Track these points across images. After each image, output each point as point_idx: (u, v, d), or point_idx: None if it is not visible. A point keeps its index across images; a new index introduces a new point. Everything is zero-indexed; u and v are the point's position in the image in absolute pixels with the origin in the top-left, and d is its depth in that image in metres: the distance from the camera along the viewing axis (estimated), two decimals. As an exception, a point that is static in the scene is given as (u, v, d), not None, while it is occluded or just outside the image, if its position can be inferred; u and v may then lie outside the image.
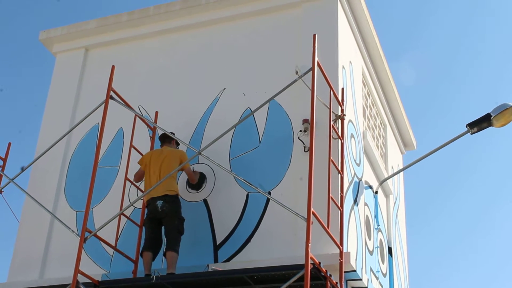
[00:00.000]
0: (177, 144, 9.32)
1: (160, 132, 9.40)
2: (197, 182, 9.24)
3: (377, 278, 10.16)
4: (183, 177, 9.46)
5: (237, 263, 8.51)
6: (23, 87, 25.49)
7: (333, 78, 9.14)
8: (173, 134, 9.15)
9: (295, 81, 8.19)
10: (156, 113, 9.99)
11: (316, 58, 8.00)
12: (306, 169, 7.58)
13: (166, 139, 9.15)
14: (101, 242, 8.78)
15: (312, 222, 7.11)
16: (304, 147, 8.98)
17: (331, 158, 8.31)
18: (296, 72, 8.69)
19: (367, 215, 10.10)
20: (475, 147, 27.85)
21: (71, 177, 10.41)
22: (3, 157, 10.33)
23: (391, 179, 11.71)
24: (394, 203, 12.19)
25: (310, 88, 7.93)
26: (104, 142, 9.90)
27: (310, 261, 6.91)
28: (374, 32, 11.13)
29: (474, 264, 26.96)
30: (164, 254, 8.40)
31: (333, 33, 9.70)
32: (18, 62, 26.07)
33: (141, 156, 9.31)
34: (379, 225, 10.77)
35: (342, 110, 9.10)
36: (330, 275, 7.54)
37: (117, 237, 9.13)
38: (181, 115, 10.05)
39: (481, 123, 9.90)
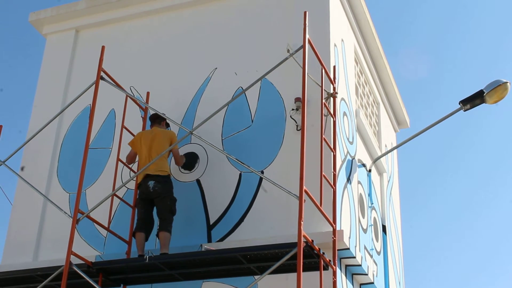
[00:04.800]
0: (167, 125, 9.29)
1: (151, 113, 9.36)
2: (182, 164, 9.20)
3: (371, 256, 10.18)
4: (175, 158, 9.43)
5: (231, 242, 8.51)
6: (16, 73, 25.38)
7: (325, 56, 9.10)
8: (163, 115, 9.08)
9: (286, 59, 8.13)
10: (148, 93, 9.95)
11: (307, 36, 7.94)
12: (298, 147, 7.55)
13: (156, 119, 9.12)
14: (94, 223, 8.77)
15: (305, 200, 7.09)
16: (297, 125, 8.95)
17: (323, 136, 8.28)
18: (288, 50, 8.64)
19: (360, 193, 10.09)
20: (468, 124, 27.90)
21: (64, 159, 10.38)
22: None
23: (384, 157, 11.71)
24: (388, 181, 12.19)
25: (302, 66, 7.89)
26: (96, 123, 9.89)
27: (303, 239, 6.89)
28: (366, 10, 11.07)
29: (468, 242, 27.09)
30: (157, 235, 8.40)
31: (325, 11, 9.64)
32: (8, 46, 25.91)
33: (132, 137, 9.28)
34: (372, 203, 10.77)
35: (334, 88, 9.06)
36: (323, 253, 7.54)
37: (110, 218, 9.13)
38: (172, 95, 10.01)
39: (474, 99, 9.88)
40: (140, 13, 10.95)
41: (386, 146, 12.40)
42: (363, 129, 10.58)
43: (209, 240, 8.80)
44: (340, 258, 8.33)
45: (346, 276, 8.55)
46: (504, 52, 27.72)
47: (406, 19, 29.05)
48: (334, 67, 9.26)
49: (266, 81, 9.36)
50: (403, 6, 28.99)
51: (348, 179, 9.38)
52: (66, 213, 8.75)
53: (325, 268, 7.61)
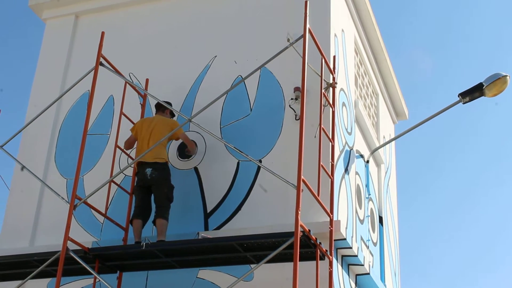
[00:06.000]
0: (172, 115, 9.27)
1: (150, 100, 9.33)
2: (195, 151, 9.17)
3: (368, 247, 10.19)
4: (174, 145, 9.42)
5: (228, 231, 8.51)
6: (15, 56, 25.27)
7: (325, 46, 9.07)
8: (170, 104, 9.04)
9: (286, 48, 8.10)
10: (147, 80, 9.92)
11: (308, 25, 7.92)
12: (297, 137, 7.55)
13: (160, 107, 9.11)
14: (91, 209, 8.77)
15: (302, 190, 7.08)
16: (295, 115, 8.94)
17: (322, 126, 8.27)
18: (288, 40, 8.61)
19: (358, 184, 10.10)
20: (467, 117, 27.90)
21: (62, 144, 10.35)
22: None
23: (382, 148, 11.71)
24: (386, 172, 12.20)
25: (302, 55, 7.86)
26: (94, 110, 9.86)
27: (300, 229, 6.89)
28: (367, 0, 11.03)
29: (465, 234, 27.16)
30: (154, 222, 8.39)
31: (326, 1, 9.60)
32: (8, 31, 25.81)
33: (132, 124, 9.26)
34: (370, 194, 10.78)
35: (333, 78, 9.04)
36: (320, 243, 7.54)
37: (107, 204, 9.13)
38: (172, 82, 9.98)
39: (473, 92, 9.88)
40: (141, -1, 10.90)
41: (384, 137, 12.39)
42: (361, 120, 10.57)
43: (206, 228, 8.80)
44: (337, 249, 8.34)
45: (342, 266, 8.56)
46: (505, 45, 27.72)
47: (407, 14, 28.99)
48: (334, 57, 9.24)
49: (266, 70, 9.34)
50: (403, 2, 28.93)
51: (346, 170, 9.38)
52: (63, 199, 8.75)
53: (322, 258, 7.62)
